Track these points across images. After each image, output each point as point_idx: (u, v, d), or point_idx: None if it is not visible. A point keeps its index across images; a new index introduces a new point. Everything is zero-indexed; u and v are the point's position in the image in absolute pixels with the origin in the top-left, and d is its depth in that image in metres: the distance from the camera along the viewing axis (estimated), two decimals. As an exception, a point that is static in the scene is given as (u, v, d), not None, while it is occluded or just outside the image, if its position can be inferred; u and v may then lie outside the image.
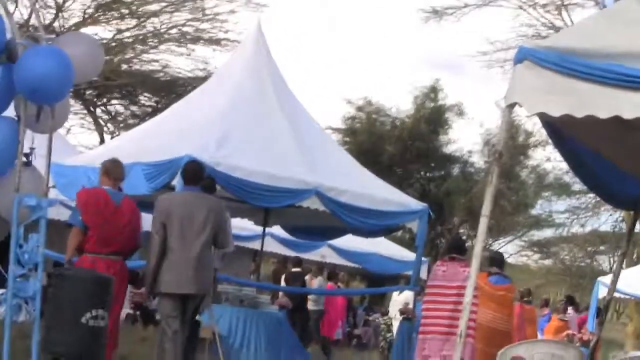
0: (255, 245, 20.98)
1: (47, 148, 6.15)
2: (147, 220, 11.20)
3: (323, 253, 23.52)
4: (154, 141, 14.30)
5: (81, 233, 8.72)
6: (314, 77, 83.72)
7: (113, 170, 9.23)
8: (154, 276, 9.10)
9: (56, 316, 6.99)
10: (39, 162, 6.30)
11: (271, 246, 21.46)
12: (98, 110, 36.74)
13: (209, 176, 10.50)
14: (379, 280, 30.70)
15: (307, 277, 19.69)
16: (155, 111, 33.27)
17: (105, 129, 37.02)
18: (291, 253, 22.40)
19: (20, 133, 6.09)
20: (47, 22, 31.16)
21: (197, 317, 9.88)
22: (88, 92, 34.22)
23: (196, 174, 9.70)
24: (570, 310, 17.95)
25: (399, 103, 58.48)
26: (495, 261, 12.35)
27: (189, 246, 9.12)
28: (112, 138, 34.56)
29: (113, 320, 8.54)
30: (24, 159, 6.12)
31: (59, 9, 32.53)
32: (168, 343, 9.07)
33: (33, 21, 30.99)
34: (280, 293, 18.34)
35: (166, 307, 9.22)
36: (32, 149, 6.17)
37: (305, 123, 15.50)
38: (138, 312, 19.76)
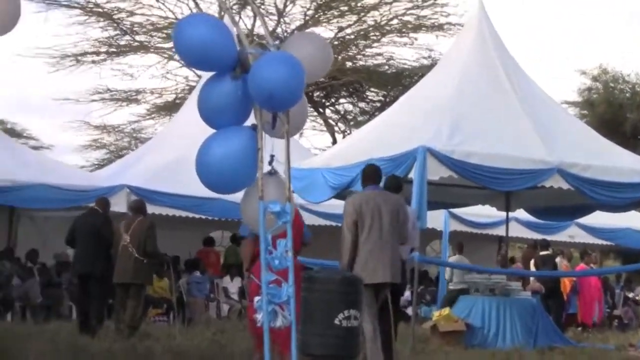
0: (500, 231, 20.78)
1: (285, 153, 6.31)
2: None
3: (571, 233, 22.98)
4: (385, 136, 14.46)
5: (252, 242, 9.49)
6: (543, 51, 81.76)
7: None
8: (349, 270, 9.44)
9: (310, 319, 7.19)
10: (277, 168, 6.49)
11: (516, 231, 21.18)
12: (327, 111, 37.49)
13: (395, 177, 11.35)
14: (635, 255, 29.62)
15: (557, 260, 19.28)
16: (384, 105, 33.55)
17: (336, 128, 37.72)
18: (537, 236, 22.01)
19: (258, 140, 6.28)
20: (270, 28, 32.14)
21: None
22: (316, 93, 34.98)
23: (376, 174, 10.20)
24: None
25: (638, 67, 56.00)
26: None
27: (380, 240, 9.59)
28: (343, 137, 35.14)
29: None
30: (268, 166, 6.34)
31: (280, 14, 33.52)
32: (370, 342, 9.47)
33: (257, 30, 32.10)
34: (532, 278, 18.04)
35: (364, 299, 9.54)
36: (272, 156, 6.36)
37: (539, 100, 15.23)
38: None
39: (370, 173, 10.20)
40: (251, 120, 6.47)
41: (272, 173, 6.41)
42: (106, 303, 14.03)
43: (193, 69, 29.00)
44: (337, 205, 16.20)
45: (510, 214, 18.14)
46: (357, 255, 9.55)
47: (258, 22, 32.89)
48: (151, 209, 17.03)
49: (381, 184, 10.32)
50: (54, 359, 9.40)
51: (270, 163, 6.36)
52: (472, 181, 13.85)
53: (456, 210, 20.36)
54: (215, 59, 6.33)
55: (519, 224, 21.32)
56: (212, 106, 6.51)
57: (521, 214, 19.30)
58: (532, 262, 19.07)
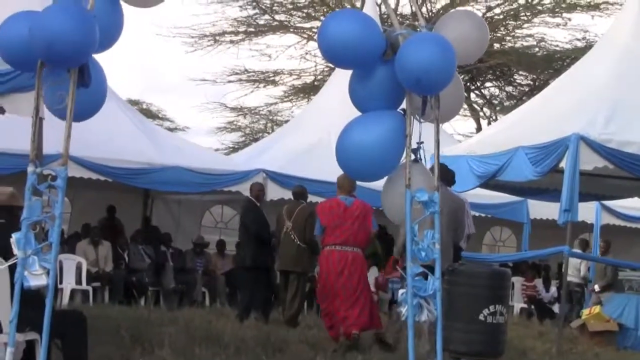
0: (657, 226, 20.27)
1: (434, 140, 6.25)
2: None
3: None
4: (535, 122, 14.22)
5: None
6: None
7: (342, 184, 11.66)
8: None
9: (452, 314, 7.15)
10: (424, 155, 6.44)
11: (674, 227, 20.61)
12: (472, 95, 37.06)
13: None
14: None
15: None
16: (533, 90, 33.04)
17: (481, 113, 37.35)
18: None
19: (407, 126, 6.24)
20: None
21: None
22: (460, 77, 34.64)
23: (446, 173, 10.55)
24: None
25: None
26: None
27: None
28: (488, 123, 34.79)
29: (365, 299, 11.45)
30: (412, 155, 6.26)
31: (427, -6, 33.32)
32: None
33: (400, 9, 32.00)
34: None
35: None
36: (419, 144, 6.29)
37: None
38: (533, 306, 19.71)
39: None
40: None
41: (415, 161, 6.36)
42: (253, 292, 14.16)
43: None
44: (482, 195, 16.12)
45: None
46: None
47: (402, 1, 32.81)
48: (288, 194, 17.22)
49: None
50: (188, 346, 9.60)
51: (417, 150, 6.31)
52: (629, 172, 13.48)
53: (609, 203, 19.92)
54: (362, 57, 6.29)
55: (676, 220, 20.75)
56: (362, 89, 6.49)
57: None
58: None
